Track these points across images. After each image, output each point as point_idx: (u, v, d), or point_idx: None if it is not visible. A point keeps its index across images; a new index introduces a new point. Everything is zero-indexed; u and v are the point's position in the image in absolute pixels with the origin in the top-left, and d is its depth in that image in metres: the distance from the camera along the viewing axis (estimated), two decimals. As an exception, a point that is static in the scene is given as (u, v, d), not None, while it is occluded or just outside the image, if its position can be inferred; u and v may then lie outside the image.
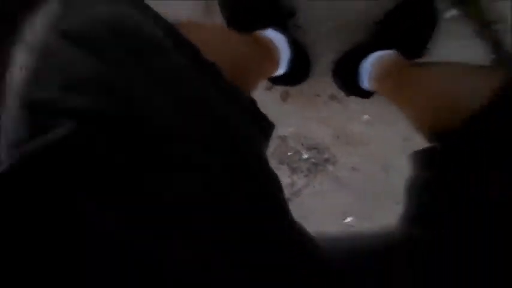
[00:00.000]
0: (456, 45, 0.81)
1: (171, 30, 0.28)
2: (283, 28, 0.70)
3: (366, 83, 0.69)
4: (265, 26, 0.69)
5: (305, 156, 0.87)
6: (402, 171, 0.39)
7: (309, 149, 0.87)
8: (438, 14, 0.76)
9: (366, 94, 0.75)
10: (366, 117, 0.83)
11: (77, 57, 0.22)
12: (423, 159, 0.36)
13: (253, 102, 0.33)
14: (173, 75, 0.25)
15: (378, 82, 0.65)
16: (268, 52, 0.65)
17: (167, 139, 0.22)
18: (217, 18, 0.78)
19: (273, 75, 0.71)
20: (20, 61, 0.22)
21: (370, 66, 0.68)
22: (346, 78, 0.74)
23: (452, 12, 0.80)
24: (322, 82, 0.78)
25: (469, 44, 0.82)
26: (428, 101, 0.41)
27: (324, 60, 0.77)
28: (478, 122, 0.30)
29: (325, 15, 0.74)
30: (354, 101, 0.80)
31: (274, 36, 0.68)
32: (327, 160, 0.88)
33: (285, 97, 0.82)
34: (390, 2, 0.75)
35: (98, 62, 0.22)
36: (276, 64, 0.68)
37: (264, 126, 0.33)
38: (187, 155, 0.23)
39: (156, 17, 0.28)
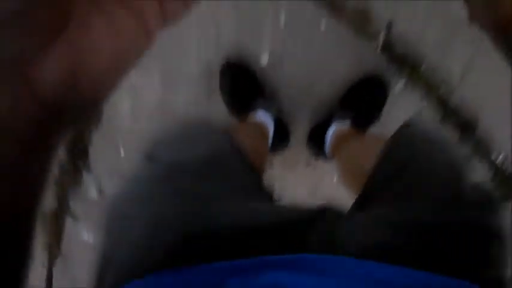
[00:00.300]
0: (407, 110, 1.01)
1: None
2: (268, 109, 0.92)
3: (326, 149, 0.89)
4: (255, 108, 0.90)
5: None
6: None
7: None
8: (388, 90, 0.97)
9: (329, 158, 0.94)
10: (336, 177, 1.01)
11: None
12: (354, 203, 0.53)
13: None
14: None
15: (331, 148, 0.85)
16: (266, 132, 0.87)
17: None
18: (218, 101, 1.01)
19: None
20: None
21: (329, 136, 0.88)
22: (315, 146, 0.94)
23: (401, 84, 1.02)
24: (300, 150, 0.98)
25: (417, 108, 1.02)
26: (347, 165, 0.59)
27: (300, 132, 0.98)
28: (371, 178, 0.48)
29: (302, 97, 0.97)
30: (327, 164, 0.99)
31: (263, 116, 0.90)
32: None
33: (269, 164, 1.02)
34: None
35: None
36: (268, 139, 0.89)
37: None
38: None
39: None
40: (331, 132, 0.89)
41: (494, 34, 0.30)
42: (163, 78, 1.05)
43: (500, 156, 1.18)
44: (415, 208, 0.39)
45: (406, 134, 0.52)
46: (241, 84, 0.94)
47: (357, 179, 0.56)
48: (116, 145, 1.19)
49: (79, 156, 1.26)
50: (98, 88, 0.17)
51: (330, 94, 0.97)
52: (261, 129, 0.87)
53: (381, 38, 0.98)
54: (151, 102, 1.08)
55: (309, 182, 0.96)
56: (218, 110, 1.02)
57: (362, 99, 0.93)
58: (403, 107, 1.01)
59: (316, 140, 0.95)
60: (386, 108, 0.98)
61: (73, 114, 0.16)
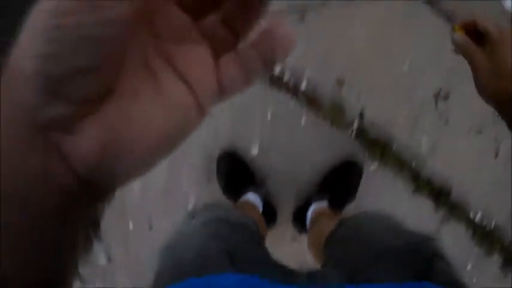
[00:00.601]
0: (381, 187, 1.14)
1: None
2: (258, 193, 1.07)
3: (307, 226, 1.03)
4: (246, 192, 1.05)
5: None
6: None
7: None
8: (362, 172, 1.11)
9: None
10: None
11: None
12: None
13: None
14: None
15: (310, 225, 0.99)
16: (256, 212, 1.01)
17: None
18: (216, 183, 1.15)
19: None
20: None
21: (309, 214, 1.02)
22: (299, 224, 1.07)
23: (374, 164, 1.15)
24: (286, 227, 1.11)
25: (391, 184, 1.15)
26: (312, 239, 0.73)
27: (287, 212, 1.11)
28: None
29: (287, 182, 1.11)
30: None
31: (253, 198, 1.04)
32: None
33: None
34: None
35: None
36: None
37: None
38: None
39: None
40: (310, 211, 1.03)
41: (500, 107, 0.42)
42: (169, 162, 1.20)
43: (478, 215, 1.29)
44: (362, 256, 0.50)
45: (358, 215, 0.65)
46: (235, 172, 1.09)
47: (318, 249, 0.71)
48: (126, 218, 1.33)
49: (91, 226, 1.40)
50: (137, 167, 0.15)
51: (310, 179, 1.11)
52: (252, 208, 1.01)
53: (354, 126, 1.13)
54: (158, 182, 1.23)
55: (296, 255, 1.09)
56: (216, 190, 1.16)
57: (338, 183, 1.07)
58: (377, 184, 1.15)
59: (299, 219, 1.09)
60: (361, 187, 1.12)
61: (105, 187, 0.15)
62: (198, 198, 1.17)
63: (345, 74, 1.12)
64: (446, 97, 1.21)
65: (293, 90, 1.11)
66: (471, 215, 1.28)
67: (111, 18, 0.12)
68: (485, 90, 0.43)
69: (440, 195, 1.22)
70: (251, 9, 0.17)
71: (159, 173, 1.21)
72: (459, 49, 0.46)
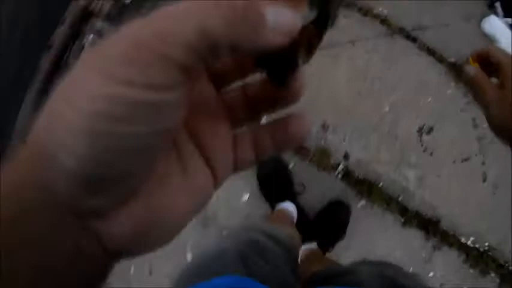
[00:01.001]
0: (370, 223, 1.19)
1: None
2: (293, 200, 1.13)
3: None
4: (284, 200, 1.12)
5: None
6: None
7: None
8: (350, 212, 1.15)
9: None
10: None
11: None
12: None
13: None
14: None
15: (301, 266, 1.04)
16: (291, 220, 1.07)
17: None
18: (212, 229, 1.19)
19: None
20: None
21: (299, 256, 1.07)
22: None
23: (363, 202, 1.19)
24: None
25: (380, 219, 1.19)
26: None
27: None
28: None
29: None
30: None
31: (289, 206, 1.11)
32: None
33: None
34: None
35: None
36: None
37: None
38: None
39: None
40: (300, 253, 1.08)
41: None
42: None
43: (471, 239, 1.32)
44: None
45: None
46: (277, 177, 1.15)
47: None
48: (127, 263, 1.39)
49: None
50: (163, 240, 0.16)
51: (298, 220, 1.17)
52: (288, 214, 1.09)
53: (340, 167, 1.18)
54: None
55: None
56: (212, 234, 1.21)
57: (326, 224, 1.12)
58: (366, 221, 1.19)
59: None
60: (351, 225, 1.16)
61: (132, 256, 0.16)
62: (195, 243, 1.22)
63: (329, 117, 1.16)
64: (429, 131, 1.24)
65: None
66: (463, 239, 1.31)
67: (167, 127, 0.14)
68: (498, 125, 0.41)
69: (429, 225, 1.26)
70: (275, 98, 0.19)
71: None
72: (471, 82, 0.44)
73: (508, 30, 1.34)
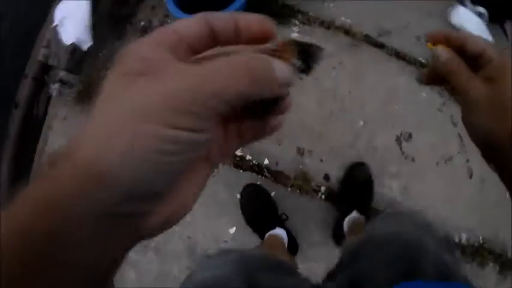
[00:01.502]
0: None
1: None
2: (283, 226, 1.13)
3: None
4: (274, 227, 1.12)
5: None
6: None
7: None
8: (369, 170, 1.14)
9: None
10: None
11: None
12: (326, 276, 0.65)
13: None
14: None
15: (348, 237, 1.04)
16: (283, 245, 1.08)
17: None
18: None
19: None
20: None
21: (346, 227, 1.08)
22: (338, 236, 1.14)
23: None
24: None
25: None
26: None
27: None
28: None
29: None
30: None
31: (280, 231, 1.12)
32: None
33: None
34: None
35: None
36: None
37: None
38: None
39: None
40: (345, 226, 1.09)
41: (497, 154, 0.29)
42: (159, 253, 1.26)
43: (464, 236, 1.32)
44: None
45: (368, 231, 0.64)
46: (261, 206, 1.15)
47: None
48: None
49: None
50: (180, 219, 0.21)
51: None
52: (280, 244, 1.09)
53: (322, 189, 1.16)
54: (151, 270, 1.29)
55: None
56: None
57: (353, 189, 1.13)
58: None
59: (337, 232, 1.15)
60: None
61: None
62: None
63: (303, 142, 1.15)
64: (408, 138, 1.22)
65: (257, 167, 1.14)
66: (456, 238, 1.31)
67: (199, 154, 0.19)
68: (479, 130, 0.31)
69: (420, 230, 1.25)
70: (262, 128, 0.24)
71: (151, 263, 1.27)
72: (444, 68, 0.32)
73: (476, 19, 1.31)
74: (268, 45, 0.21)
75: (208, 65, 0.18)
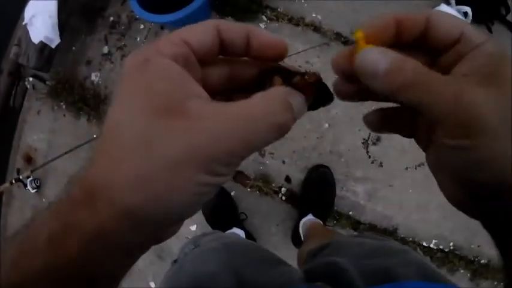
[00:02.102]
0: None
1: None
2: (241, 226, 1.15)
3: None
4: (231, 227, 1.13)
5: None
6: None
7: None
8: (331, 173, 1.14)
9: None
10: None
11: None
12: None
13: None
14: None
15: (304, 240, 1.05)
16: None
17: None
18: (169, 260, 1.23)
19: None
20: None
21: (301, 229, 1.09)
22: (296, 238, 1.13)
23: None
24: None
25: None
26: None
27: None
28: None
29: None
30: None
31: (237, 231, 1.13)
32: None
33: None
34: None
35: None
36: None
37: None
38: None
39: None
40: (301, 228, 1.10)
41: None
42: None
43: (434, 241, 1.29)
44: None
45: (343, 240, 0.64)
46: (221, 206, 1.16)
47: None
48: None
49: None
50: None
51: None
52: None
53: (283, 190, 1.15)
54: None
55: None
56: (167, 264, 1.24)
57: (313, 192, 1.12)
58: (317, 240, 1.18)
59: (294, 235, 1.15)
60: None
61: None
62: (155, 275, 1.26)
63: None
64: (376, 141, 1.19)
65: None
66: (424, 243, 1.28)
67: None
68: (492, 167, 0.18)
69: (386, 234, 1.23)
70: None
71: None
72: (387, 86, 0.20)
73: (461, 18, 1.24)
74: (295, 78, 0.21)
75: (238, 110, 0.18)
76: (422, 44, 0.21)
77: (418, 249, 1.27)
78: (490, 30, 1.26)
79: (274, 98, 0.19)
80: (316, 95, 0.22)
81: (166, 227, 0.19)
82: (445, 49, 0.21)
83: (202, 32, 0.20)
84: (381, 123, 0.26)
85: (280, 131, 0.19)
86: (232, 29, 0.20)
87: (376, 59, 0.19)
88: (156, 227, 0.18)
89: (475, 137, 0.18)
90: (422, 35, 0.21)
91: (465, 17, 1.24)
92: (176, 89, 0.18)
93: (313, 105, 0.22)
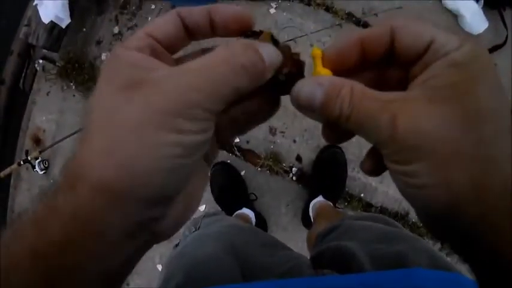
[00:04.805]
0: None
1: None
2: (251, 206, 1.13)
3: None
4: (241, 207, 1.12)
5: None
6: None
7: None
8: (343, 154, 1.12)
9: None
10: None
11: None
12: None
13: None
14: None
15: (314, 221, 1.04)
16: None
17: None
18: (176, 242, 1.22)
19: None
20: None
21: (311, 211, 1.07)
22: (306, 219, 1.12)
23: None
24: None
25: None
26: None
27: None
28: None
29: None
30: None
31: (247, 211, 1.11)
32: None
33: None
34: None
35: None
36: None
37: None
38: None
39: None
40: (311, 210, 1.08)
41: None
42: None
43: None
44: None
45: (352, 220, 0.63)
46: (230, 186, 1.15)
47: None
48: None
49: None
50: (190, 217, 0.22)
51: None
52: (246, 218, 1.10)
53: (294, 170, 1.14)
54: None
55: None
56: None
57: (324, 173, 1.10)
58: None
59: (304, 216, 1.14)
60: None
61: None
62: (162, 256, 1.25)
63: (275, 121, 1.12)
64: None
65: (227, 145, 1.13)
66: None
67: (205, 154, 0.20)
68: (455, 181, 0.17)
69: (397, 219, 1.21)
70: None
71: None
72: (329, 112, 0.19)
73: (472, 2, 1.22)
74: (283, 47, 0.21)
75: (197, 63, 0.18)
76: (393, 57, 0.20)
77: (429, 236, 1.25)
78: (502, 16, 1.24)
79: (237, 43, 0.19)
80: (294, 72, 0.21)
81: (150, 207, 0.18)
82: (414, 61, 0.19)
83: (164, 23, 0.21)
84: (377, 166, 0.22)
85: (248, 73, 0.18)
86: (193, 12, 0.21)
87: (311, 91, 0.19)
88: (137, 205, 0.17)
89: (415, 163, 0.17)
90: (390, 48, 0.20)
91: (477, 2, 1.23)
92: (139, 69, 0.18)
93: (285, 85, 0.21)
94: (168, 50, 0.21)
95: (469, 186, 0.17)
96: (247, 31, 0.21)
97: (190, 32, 0.21)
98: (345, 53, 0.20)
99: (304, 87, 0.20)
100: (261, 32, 0.21)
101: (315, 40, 1.16)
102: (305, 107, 0.20)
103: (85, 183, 0.17)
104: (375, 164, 0.22)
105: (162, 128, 0.16)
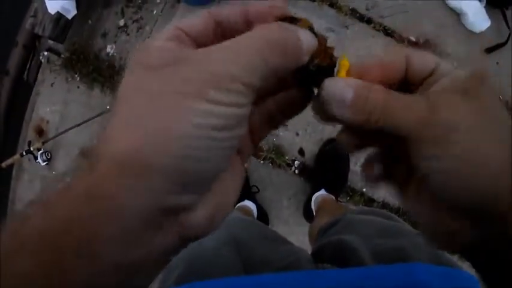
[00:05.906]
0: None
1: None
2: (253, 199, 1.13)
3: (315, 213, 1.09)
4: (243, 200, 1.11)
5: None
6: None
7: None
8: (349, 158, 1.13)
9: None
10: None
11: None
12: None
13: None
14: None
15: (316, 215, 1.03)
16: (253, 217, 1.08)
17: None
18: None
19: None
20: None
21: (313, 204, 1.07)
22: (308, 212, 1.12)
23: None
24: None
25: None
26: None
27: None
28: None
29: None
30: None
31: (249, 204, 1.11)
32: None
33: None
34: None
35: None
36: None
37: None
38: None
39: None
40: (313, 203, 1.09)
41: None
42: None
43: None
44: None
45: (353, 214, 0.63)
46: None
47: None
48: None
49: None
50: (222, 219, 0.20)
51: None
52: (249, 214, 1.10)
53: (296, 164, 1.14)
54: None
55: None
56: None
57: (326, 166, 1.11)
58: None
59: (306, 210, 1.15)
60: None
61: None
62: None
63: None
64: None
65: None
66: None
67: (241, 133, 0.18)
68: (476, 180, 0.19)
69: (399, 214, 1.21)
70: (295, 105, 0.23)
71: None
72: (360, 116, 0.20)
73: (475, 1, 1.24)
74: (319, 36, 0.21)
75: (233, 40, 0.18)
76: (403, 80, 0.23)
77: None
78: (505, 15, 1.26)
79: (275, 23, 0.19)
80: (326, 64, 0.21)
81: (179, 190, 0.16)
82: (420, 83, 0.22)
83: (195, 19, 0.21)
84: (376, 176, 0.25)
85: (284, 51, 0.18)
86: (226, 10, 0.21)
87: (343, 87, 0.20)
88: (165, 184, 0.16)
89: (451, 147, 0.19)
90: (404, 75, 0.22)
91: (480, 0, 1.25)
92: (169, 52, 0.18)
93: (314, 77, 0.21)
94: (199, 45, 0.20)
95: (508, 166, 0.18)
96: (286, 17, 0.20)
97: (223, 30, 0.21)
98: (367, 72, 0.22)
99: (338, 83, 0.20)
100: (300, 19, 0.21)
101: (325, 30, 1.17)
102: (335, 103, 0.20)
103: (105, 160, 0.16)
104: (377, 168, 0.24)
105: (195, 96, 0.16)
